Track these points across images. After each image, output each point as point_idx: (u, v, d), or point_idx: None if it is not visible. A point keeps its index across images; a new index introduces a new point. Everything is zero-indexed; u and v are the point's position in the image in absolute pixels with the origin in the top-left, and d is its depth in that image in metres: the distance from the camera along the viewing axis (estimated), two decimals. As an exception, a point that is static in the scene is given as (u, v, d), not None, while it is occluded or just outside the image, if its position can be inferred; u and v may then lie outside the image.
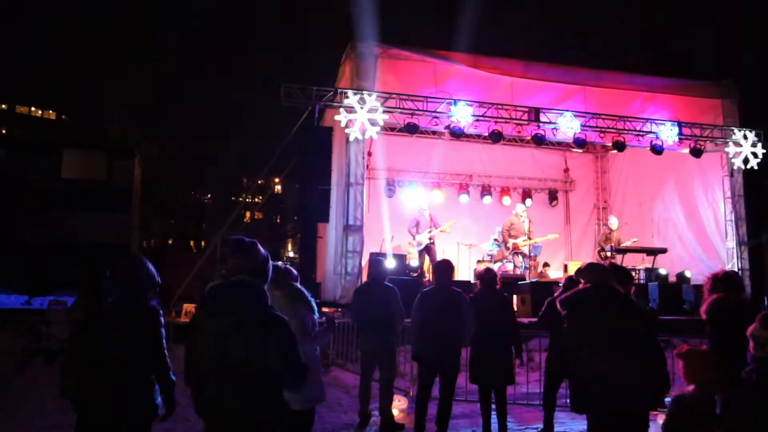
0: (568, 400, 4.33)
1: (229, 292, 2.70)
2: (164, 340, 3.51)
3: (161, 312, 3.54)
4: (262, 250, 2.88)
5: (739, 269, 13.15)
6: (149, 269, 3.61)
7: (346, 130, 10.73)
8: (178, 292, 11.01)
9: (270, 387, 2.64)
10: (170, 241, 38.42)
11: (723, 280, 4.54)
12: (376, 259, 7.36)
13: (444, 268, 6.29)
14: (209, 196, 43.16)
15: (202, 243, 37.39)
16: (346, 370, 8.62)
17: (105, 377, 3.30)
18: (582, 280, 4.41)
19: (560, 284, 12.21)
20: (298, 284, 4.42)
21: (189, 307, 9.99)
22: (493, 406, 6.12)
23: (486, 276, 6.40)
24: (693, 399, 3.68)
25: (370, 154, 13.92)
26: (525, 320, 9.53)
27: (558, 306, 4.49)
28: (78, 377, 3.38)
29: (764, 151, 12.91)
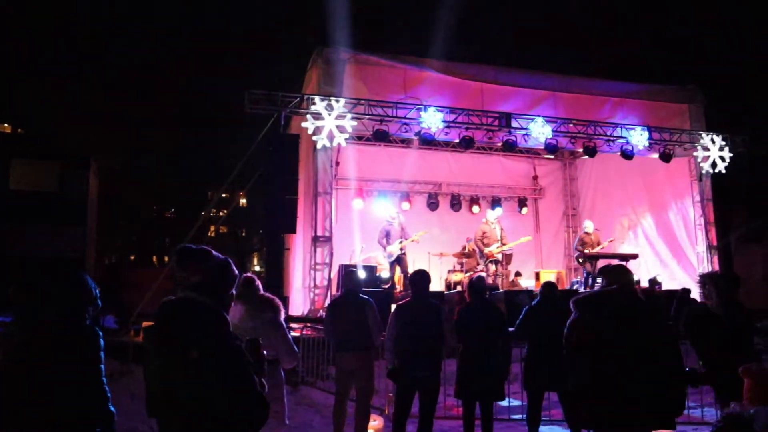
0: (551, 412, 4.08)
1: (173, 314, 2.24)
2: (102, 366, 2.99)
3: (100, 333, 2.99)
4: (217, 258, 2.40)
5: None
6: (87, 285, 3.04)
7: (314, 138, 10.36)
8: (137, 310, 10.45)
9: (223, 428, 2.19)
10: (132, 257, 37.31)
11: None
12: (350, 270, 6.99)
13: (420, 278, 5.96)
14: (173, 210, 42.17)
15: (165, 258, 36.43)
16: (316, 388, 8.19)
17: (35, 409, 2.81)
18: (602, 280, 4.14)
19: (536, 292, 12.09)
20: (266, 294, 4.05)
21: (148, 325, 9.45)
22: (477, 422, 5.79)
23: (477, 285, 6.07)
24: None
25: (338, 163, 13.59)
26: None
27: (571, 306, 4.18)
28: (7, 411, 2.89)
29: (731, 155, 12.97)
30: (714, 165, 12.81)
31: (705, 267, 13.18)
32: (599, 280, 4.44)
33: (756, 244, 13.87)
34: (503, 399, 5.99)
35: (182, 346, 2.13)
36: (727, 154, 12.86)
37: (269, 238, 11.02)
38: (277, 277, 10.86)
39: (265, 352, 2.49)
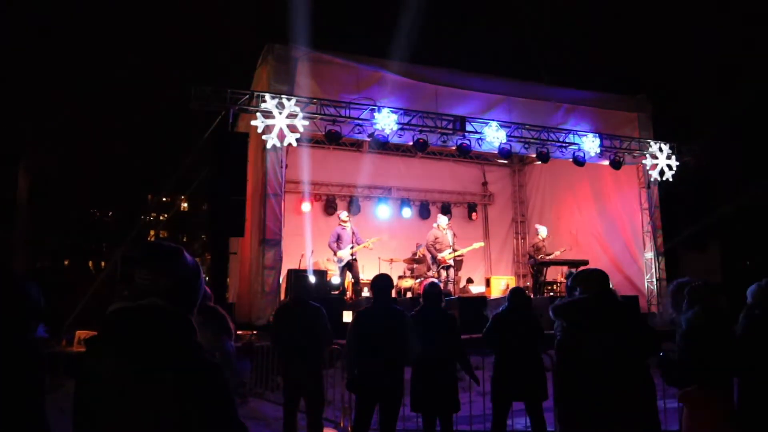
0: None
1: (134, 324, 1.78)
2: (41, 385, 2.50)
3: (41, 351, 2.49)
4: (188, 260, 2.00)
5: (656, 280, 13.32)
6: (32, 295, 2.49)
7: (264, 137, 9.92)
8: (70, 318, 9.74)
9: None
10: (66, 262, 35.66)
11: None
12: (300, 275, 6.61)
13: (382, 283, 5.62)
14: (111, 213, 40.62)
15: (102, 263, 34.94)
16: (265, 400, 7.73)
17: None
18: (579, 288, 3.92)
19: (490, 298, 11.96)
20: (217, 307, 3.66)
21: (82, 334, 8.79)
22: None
23: (431, 291, 5.77)
24: None
25: (286, 166, 13.18)
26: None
27: (551, 314, 3.94)
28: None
29: (678, 163, 13.18)
30: (662, 173, 12.99)
31: (652, 274, 13.35)
32: (573, 285, 4.19)
33: (699, 251, 14.13)
34: (458, 410, 5.70)
35: (149, 365, 1.69)
36: (674, 162, 13.07)
37: (214, 241, 10.46)
38: (222, 282, 10.35)
39: None
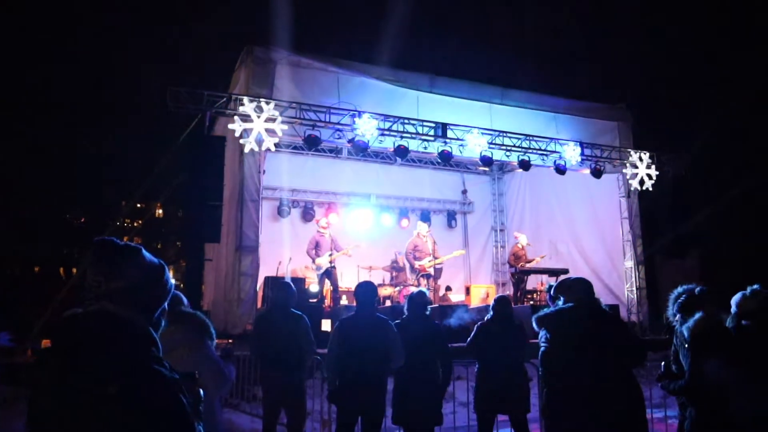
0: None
1: (79, 333, 1.56)
2: None
3: None
4: (147, 260, 1.78)
5: (636, 288, 13.31)
6: None
7: (241, 141, 9.68)
8: (37, 327, 9.38)
9: None
10: (36, 269, 34.81)
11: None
12: (282, 282, 6.39)
13: (365, 290, 5.42)
14: (83, 219, 39.82)
15: (74, 270, 34.17)
16: (241, 411, 7.48)
17: None
18: (563, 297, 3.78)
19: (470, 306, 11.81)
20: (197, 312, 3.44)
21: (47, 343, 8.44)
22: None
23: (417, 300, 5.58)
24: None
25: (264, 171, 12.94)
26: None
27: (534, 325, 3.79)
28: None
29: (657, 173, 13.20)
30: (642, 182, 12.99)
31: (632, 282, 13.34)
32: (555, 295, 4.06)
33: (678, 259, 14.13)
34: (441, 423, 5.52)
35: (95, 378, 1.47)
36: (653, 171, 13.08)
37: (189, 248, 10.17)
38: (197, 289, 10.07)
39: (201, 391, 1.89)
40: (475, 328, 5.83)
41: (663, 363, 3.89)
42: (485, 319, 5.87)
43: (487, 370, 5.63)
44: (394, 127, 10.92)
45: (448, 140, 11.29)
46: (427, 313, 5.59)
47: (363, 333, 5.02)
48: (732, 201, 16.35)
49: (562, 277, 13.04)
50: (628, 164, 13.03)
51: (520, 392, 5.60)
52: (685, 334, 3.62)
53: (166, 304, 1.83)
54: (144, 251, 1.80)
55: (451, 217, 17.32)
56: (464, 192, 17.69)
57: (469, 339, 5.82)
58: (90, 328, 1.57)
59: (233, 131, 9.63)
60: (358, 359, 4.93)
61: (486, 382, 5.60)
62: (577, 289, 3.86)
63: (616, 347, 3.56)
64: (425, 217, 16.32)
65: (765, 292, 3.97)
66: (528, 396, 5.69)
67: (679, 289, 4.13)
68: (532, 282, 13.69)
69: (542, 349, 3.89)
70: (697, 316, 3.60)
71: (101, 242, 1.77)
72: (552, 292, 4.34)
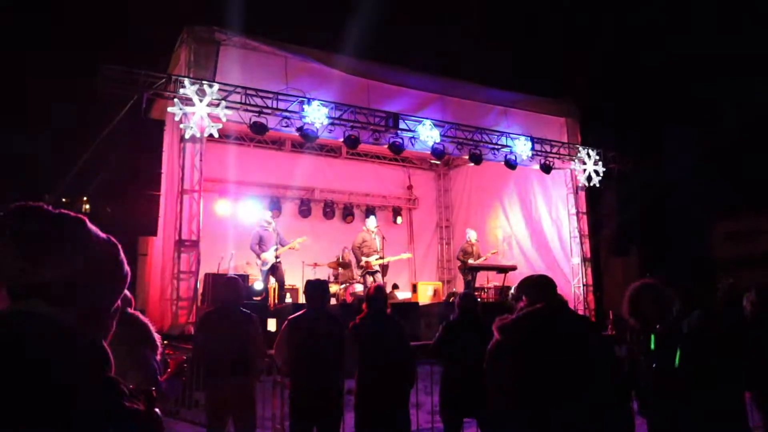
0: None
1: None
2: None
3: None
4: (95, 234, 1.23)
5: (583, 285, 13.28)
6: None
7: (181, 126, 8.97)
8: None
9: None
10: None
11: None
12: (229, 278, 5.81)
13: (318, 288, 5.05)
14: (1, 213, 37.42)
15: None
16: (180, 419, 6.83)
17: None
18: (525, 298, 3.30)
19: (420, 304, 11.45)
20: (137, 313, 2.92)
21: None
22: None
23: (376, 297, 5.14)
24: None
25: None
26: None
27: (495, 333, 3.31)
28: None
29: (604, 169, 13.22)
30: (589, 178, 12.98)
31: (579, 279, 13.30)
32: (518, 294, 3.56)
33: (622, 257, 14.27)
34: (410, 430, 5.12)
35: (12, 411, 0.95)
36: (600, 168, 13.10)
37: (122, 242, 9.34)
38: (130, 287, 9.28)
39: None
40: (440, 328, 5.43)
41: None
42: (450, 318, 5.48)
43: (454, 371, 5.24)
44: (345, 116, 10.43)
45: (399, 131, 10.89)
46: (388, 309, 5.21)
47: (316, 332, 4.61)
48: (671, 198, 16.65)
49: (511, 273, 12.94)
50: (576, 160, 12.99)
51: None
52: (684, 330, 3.27)
53: (120, 300, 1.31)
54: (89, 223, 1.26)
55: (396, 213, 16.97)
56: (410, 187, 17.37)
57: (435, 339, 5.41)
58: (8, 344, 1.03)
59: (172, 115, 8.93)
60: (312, 360, 4.51)
61: (452, 385, 5.22)
62: (542, 288, 3.38)
63: (596, 359, 3.11)
64: (370, 212, 15.89)
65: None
66: (498, 398, 5.33)
67: (642, 285, 3.74)
68: (480, 279, 13.47)
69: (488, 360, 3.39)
70: (697, 313, 3.26)
71: (23, 210, 1.22)
72: (514, 291, 3.88)
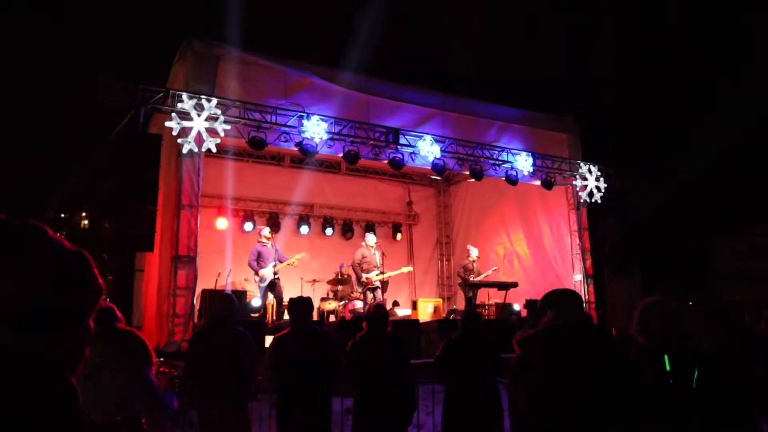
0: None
1: None
2: None
3: None
4: (58, 246, 1.11)
5: (585, 302, 13.11)
6: None
7: (179, 140, 8.88)
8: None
9: None
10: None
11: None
12: (223, 294, 5.69)
13: (300, 304, 4.94)
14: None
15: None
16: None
17: None
18: (549, 313, 3.20)
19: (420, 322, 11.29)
20: (134, 329, 2.83)
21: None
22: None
23: (376, 315, 5.02)
24: None
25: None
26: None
27: (516, 347, 3.21)
28: None
29: (606, 185, 13.13)
30: (591, 194, 12.88)
31: (582, 296, 13.13)
32: (542, 309, 3.46)
33: (625, 274, 14.10)
34: None
35: None
36: (602, 184, 13.00)
37: (119, 258, 9.22)
38: (126, 303, 9.16)
39: None
40: (441, 347, 5.29)
41: None
42: (453, 336, 5.34)
43: (457, 392, 5.10)
44: (345, 131, 10.35)
45: (400, 146, 10.80)
46: (389, 327, 5.09)
47: (302, 350, 4.51)
48: (672, 217, 16.53)
49: (512, 290, 12.81)
50: (577, 176, 12.89)
51: (495, 414, 5.09)
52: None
53: (90, 318, 1.17)
54: (50, 234, 1.13)
55: (396, 229, 16.86)
56: (409, 204, 17.27)
57: (437, 357, 5.27)
58: None
59: (170, 130, 8.84)
60: (298, 378, 4.40)
61: (456, 406, 5.07)
62: (565, 304, 3.29)
63: (613, 375, 2.99)
64: (370, 229, 15.79)
65: None
66: (502, 418, 5.18)
67: (652, 303, 3.63)
68: (481, 296, 13.33)
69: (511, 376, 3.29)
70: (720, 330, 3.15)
71: None
72: (538, 306, 3.79)
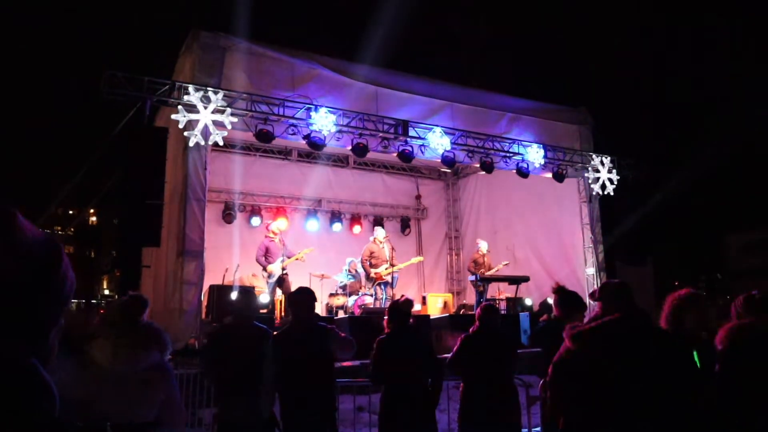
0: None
1: None
2: None
3: None
4: (29, 233, 0.94)
5: (597, 297, 12.91)
6: None
7: (186, 133, 8.73)
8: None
9: None
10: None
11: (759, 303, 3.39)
12: (247, 289, 5.51)
13: (301, 298, 4.66)
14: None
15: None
16: (184, 437, 6.53)
17: None
18: (601, 305, 3.06)
19: (430, 317, 11.14)
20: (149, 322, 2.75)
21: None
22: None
23: (403, 310, 4.86)
24: None
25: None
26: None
27: (567, 341, 3.04)
28: None
29: (618, 177, 12.92)
30: (603, 187, 12.67)
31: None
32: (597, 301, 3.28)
33: (638, 266, 13.88)
34: None
35: None
36: (615, 176, 12.79)
37: (125, 253, 9.06)
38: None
39: None
40: (459, 342, 5.13)
41: None
42: (470, 331, 5.17)
43: (475, 388, 4.94)
44: (353, 123, 10.18)
45: (409, 139, 10.63)
46: (411, 323, 4.93)
47: (303, 344, 4.33)
48: (686, 209, 16.30)
49: (523, 284, 12.63)
50: (589, 168, 12.68)
51: (512, 412, 4.94)
52: None
53: (61, 319, 1.01)
54: (22, 219, 0.96)
55: (404, 223, 16.69)
56: (418, 197, 17.10)
57: (453, 353, 5.10)
58: None
59: (176, 123, 8.69)
60: (301, 374, 4.23)
61: (474, 402, 4.91)
62: (620, 297, 3.13)
63: (675, 374, 2.86)
64: (378, 223, 15.62)
65: None
66: (520, 416, 5.03)
67: (688, 295, 3.45)
68: (492, 290, 13.16)
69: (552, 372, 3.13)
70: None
71: None
72: (590, 298, 3.64)
